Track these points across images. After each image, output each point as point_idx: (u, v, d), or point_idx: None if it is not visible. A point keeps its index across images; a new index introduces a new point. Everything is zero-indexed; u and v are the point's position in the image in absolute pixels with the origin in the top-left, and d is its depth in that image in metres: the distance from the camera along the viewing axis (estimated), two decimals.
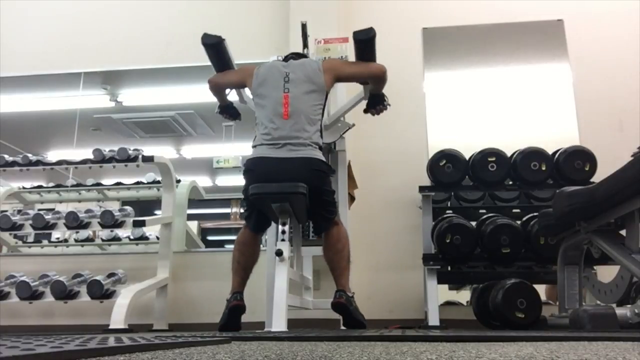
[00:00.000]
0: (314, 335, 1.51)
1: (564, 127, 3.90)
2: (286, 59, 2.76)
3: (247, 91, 2.84)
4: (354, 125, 2.96)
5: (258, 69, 2.58)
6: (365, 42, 2.53)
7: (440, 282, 3.20)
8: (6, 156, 3.78)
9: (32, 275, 3.41)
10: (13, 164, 3.76)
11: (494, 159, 3.21)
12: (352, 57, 2.93)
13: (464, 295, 3.82)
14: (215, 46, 2.64)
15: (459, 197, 3.62)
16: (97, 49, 4.60)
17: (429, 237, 3.26)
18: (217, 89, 2.77)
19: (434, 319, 3.03)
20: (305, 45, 3.18)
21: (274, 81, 2.49)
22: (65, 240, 4.35)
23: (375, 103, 2.75)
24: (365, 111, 2.80)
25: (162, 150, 4.84)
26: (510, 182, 3.29)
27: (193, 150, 5.24)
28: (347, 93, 3.20)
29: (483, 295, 2.99)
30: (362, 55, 2.58)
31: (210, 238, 5.26)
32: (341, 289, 2.39)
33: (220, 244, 5.49)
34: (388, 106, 2.77)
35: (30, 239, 4.49)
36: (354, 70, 2.63)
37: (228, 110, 2.90)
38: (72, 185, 4.24)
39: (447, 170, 3.25)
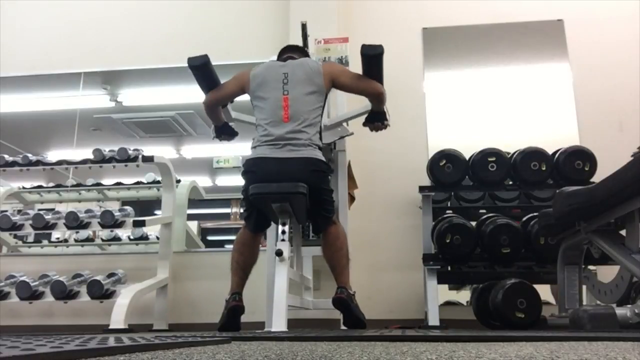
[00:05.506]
0: (314, 335, 1.51)
1: (564, 127, 3.91)
2: (282, 53, 2.73)
3: (229, 108, 2.83)
4: (352, 134, 2.94)
5: (254, 71, 2.55)
6: (371, 57, 2.45)
7: (440, 282, 3.20)
8: (6, 156, 3.78)
9: (32, 275, 3.41)
10: (13, 164, 3.76)
11: (494, 159, 3.22)
12: (353, 60, 2.91)
13: (464, 295, 3.81)
14: (204, 66, 2.55)
15: (459, 197, 3.62)
16: (97, 49, 4.60)
17: (429, 237, 3.26)
18: (216, 106, 2.69)
19: (434, 319, 3.03)
20: (305, 45, 3.18)
21: (273, 83, 2.47)
22: (65, 240, 4.35)
23: (374, 119, 2.69)
24: (364, 124, 2.75)
25: (162, 150, 4.83)
26: (510, 182, 3.29)
27: (193, 150, 5.23)
28: (347, 96, 3.19)
29: (483, 295, 2.99)
30: (367, 71, 2.51)
31: (210, 238, 5.25)
32: (342, 285, 2.39)
33: (220, 244, 5.48)
34: (388, 126, 2.70)
35: (30, 239, 4.48)
36: (349, 83, 2.56)
37: (225, 130, 2.83)
38: (72, 185, 4.24)
39: (447, 170, 3.26)
